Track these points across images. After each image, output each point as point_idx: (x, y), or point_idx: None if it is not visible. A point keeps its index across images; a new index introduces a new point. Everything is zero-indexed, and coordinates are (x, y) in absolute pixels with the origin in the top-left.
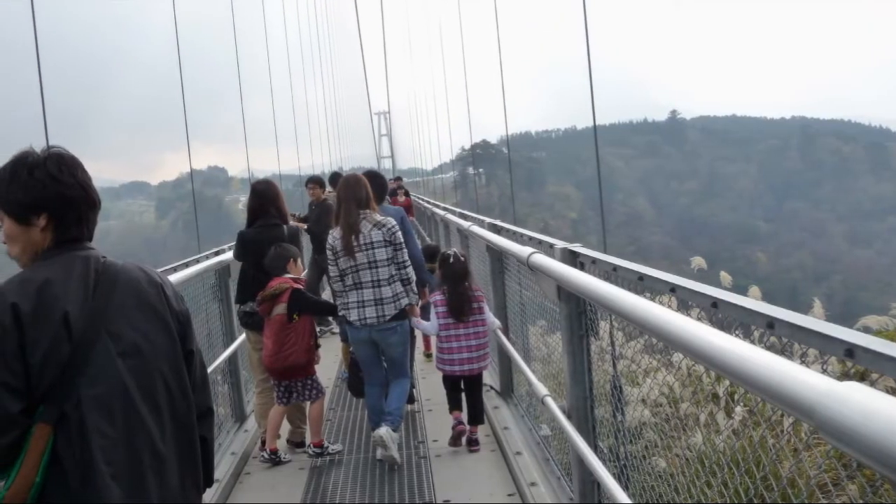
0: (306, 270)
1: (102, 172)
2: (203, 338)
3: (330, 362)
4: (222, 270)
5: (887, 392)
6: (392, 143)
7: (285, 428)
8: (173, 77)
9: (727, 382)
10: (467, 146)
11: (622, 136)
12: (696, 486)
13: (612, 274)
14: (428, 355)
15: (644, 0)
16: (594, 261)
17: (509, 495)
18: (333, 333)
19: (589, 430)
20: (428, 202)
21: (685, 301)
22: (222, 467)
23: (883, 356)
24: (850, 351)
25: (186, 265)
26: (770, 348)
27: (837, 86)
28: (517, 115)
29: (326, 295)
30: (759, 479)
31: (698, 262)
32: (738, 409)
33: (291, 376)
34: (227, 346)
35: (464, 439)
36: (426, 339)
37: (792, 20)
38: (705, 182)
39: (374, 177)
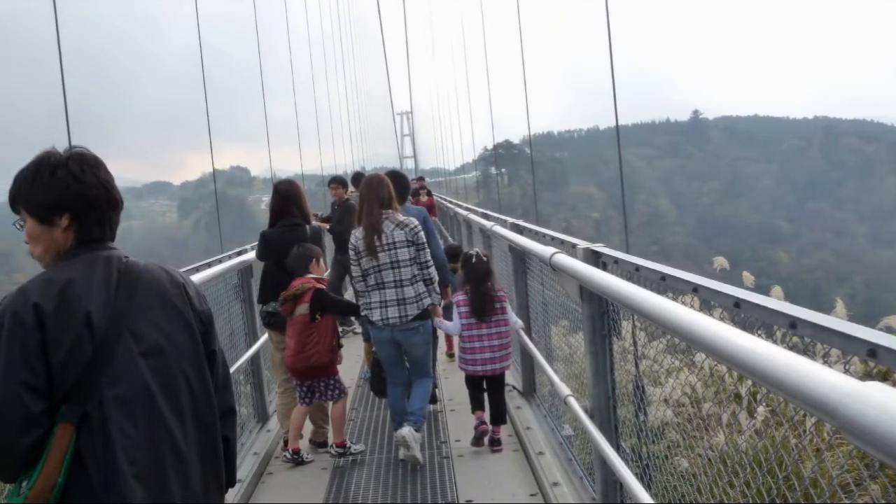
0: (329, 270)
1: (125, 172)
2: (225, 338)
3: (352, 362)
4: (245, 270)
5: None
6: (414, 143)
7: (308, 428)
8: (196, 77)
9: (749, 382)
10: (490, 146)
11: (644, 136)
12: (719, 486)
13: (634, 274)
14: (450, 355)
15: (667, 0)
16: (616, 261)
17: (532, 495)
18: (356, 333)
19: (611, 430)
20: (450, 202)
21: (708, 301)
22: (245, 467)
23: None
24: (873, 351)
25: (209, 265)
26: (792, 348)
27: (860, 85)
28: (539, 114)
29: (349, 295)
30: (781, 479)
31: (721, 262)
32: (761, 409)
33: (314, 376)
34: (249, 346)
35: (486, 439)
36: (448, 339)
37: (815, 20)
38: (727, 182)
39: (397, 177)
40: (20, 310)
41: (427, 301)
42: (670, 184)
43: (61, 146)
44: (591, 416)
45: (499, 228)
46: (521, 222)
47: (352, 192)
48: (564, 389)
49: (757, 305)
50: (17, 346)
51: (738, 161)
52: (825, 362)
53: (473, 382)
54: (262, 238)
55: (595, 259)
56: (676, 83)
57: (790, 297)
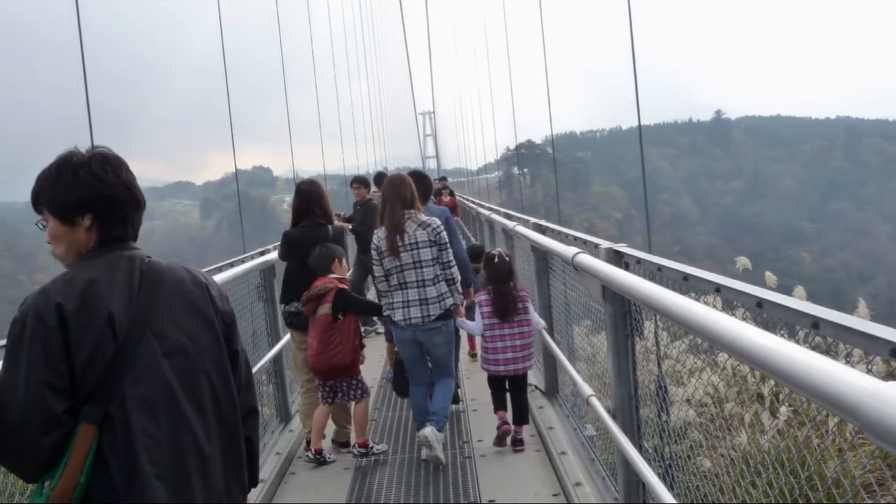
0: (351, 270)
1: (147, 172)
2: (248, 338)
3: (375, 362)
4: (267, 270)
5: None
6: (437, 143)
7: (330, 428)
8: (218, 77)
9: (772, 382)
10: (512, 146)
11: (667, 136)
12: (741, 486)
13: (656, 274)
14: (473, 355)
15: (689, 0)
16: (639, 261)
17: (554, 495)
18: (378, 333)
19: (634, 430)
20: (473, 202)
21: (730, 301)
22: (267, 467)
23: None
24: (895, 351)
25: (231, 265)
26: (815, 348)
27: (883, 86)
28: (562, 114)
29: (371, 295)
30: (803, 479)
31: (743, 262)
32: (783, 409)
33: (336, 376)
34: (272, 346)
35: (509, 439)
36: (471, 339)
37: (838, 19)
38: (750, 182)
39: (419, 177)
40: (42, 310)
41: (449, 301)
42: (693, 183)
43: (83, 146)
44: (614, 416)
45: (521, 228)
46: (543, 222)
47: (374, 192)
48: (587, 389)
49: (779, 305)
50: (40, 347)
51: (760, 161)
52: (847, 362)
53: (496, 382)
54: (284, 238)
55: (617, 259)
56: (698, 83)
57: (812, 297)
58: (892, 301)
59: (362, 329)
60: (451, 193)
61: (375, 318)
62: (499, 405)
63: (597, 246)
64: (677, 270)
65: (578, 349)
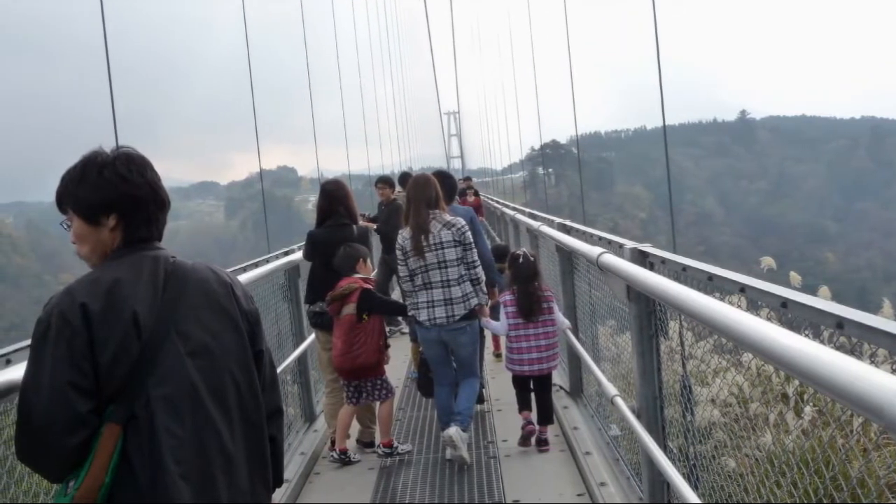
0: (375, 270)
1: (172, 172)
2: (273, 338)
3: (399, 362)
4: (292, 270)
5: None
6: (461, 144)
7: (355, 428)
8: (243, 77)
9: (797, 382)
10: (537, 146)
11: (691, 136)
12: (766, 486)
13: (681, 274)
14: (497, 355)
15: (714, 0)
16: (664, 261)
17: (579, 495)
18: (403, 333)
19: (658, 430)
20: (497, 202)
21: (755, 301)
22: (292, 467)
23: None
24: None
25: (256, 265)
26: (839, 348)
27: None
28: (587, 115)
29: (396, 295)
30: (828, 479)
31: (768, 262)
32: (808, 409)
33: (361, 376)
34: (296, 346)
35: (533, 439)
36: (495, 339)
37: (862, 20)
38: (775, 182)
39: (444, 177)
40: (67, 310)
41: (474, 301)
42: (717, 184)
43: (108, 146)
44: (639, 416)
45: (546, 228)
46: (568, 222)
47: (399, 192)
48: (611, 389)
49: (804, 305)
50: (65, 346)
51: (785, 161)
52: (872, 362)
53: (520, 382)
54: (309, 238)
55: (642, 259)
56: (723, 83)
57: (837, 297)
58: None
59: (387, 329)
60: (476, 193)
61: (400, 318)
62: (523, 405)
63: (621, 246)
64: (702, 270)
65: (603, 349)
